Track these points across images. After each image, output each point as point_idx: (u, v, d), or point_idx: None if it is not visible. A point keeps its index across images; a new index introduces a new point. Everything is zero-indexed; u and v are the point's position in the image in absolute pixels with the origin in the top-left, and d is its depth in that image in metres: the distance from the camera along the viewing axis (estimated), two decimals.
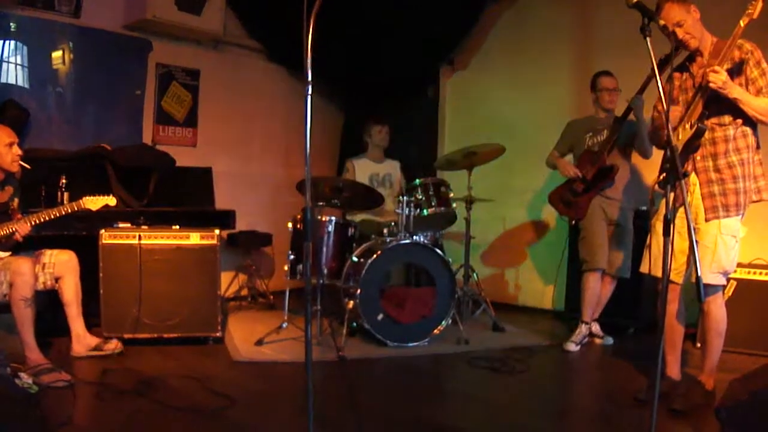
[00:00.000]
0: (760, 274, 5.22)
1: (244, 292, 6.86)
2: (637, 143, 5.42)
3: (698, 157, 3.86)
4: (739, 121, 3.78)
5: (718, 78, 3.58)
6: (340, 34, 6.11)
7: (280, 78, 7.49)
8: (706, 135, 3.77)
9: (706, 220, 3.84)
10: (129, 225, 5.00)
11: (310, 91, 2.70)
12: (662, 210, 3.82)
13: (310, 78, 2.71)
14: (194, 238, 4.98)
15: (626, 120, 5.25)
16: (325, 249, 5.31)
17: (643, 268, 4.11)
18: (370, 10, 6.71)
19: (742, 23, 3.55)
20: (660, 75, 3.20)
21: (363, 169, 6.55)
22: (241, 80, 7.21)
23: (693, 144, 3.74)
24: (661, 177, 3.35)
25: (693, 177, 3.90)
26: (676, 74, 4.02)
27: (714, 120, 3.79)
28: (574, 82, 6.58)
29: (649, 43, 3.00)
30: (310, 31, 2.65)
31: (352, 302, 5.06)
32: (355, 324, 5.25)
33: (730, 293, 5.14)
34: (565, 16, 7.08)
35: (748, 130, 3.82)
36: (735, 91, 3.64)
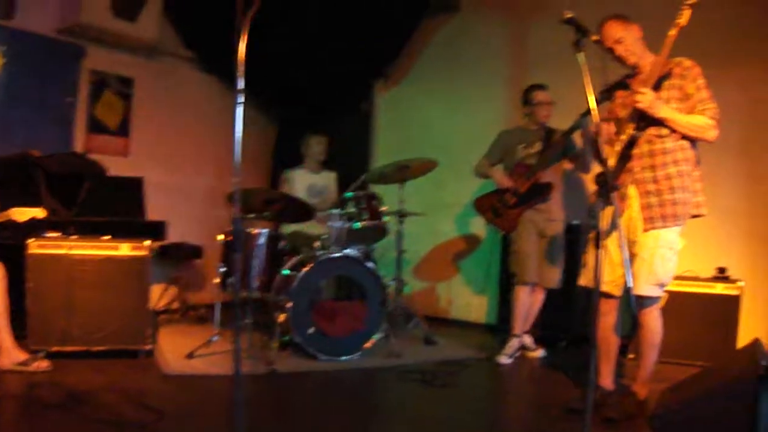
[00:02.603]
0: (690, 285, 5.39)
1: (175, 304, 6.78)
2: (579, 162, 5.58)
3: (637, 169, 3.93)
4: (678, 134, 3.86)
5: (644, 99, 3.72)
6: (274, 46, 6.15)
7: (215, 89, 7.45)
8: (645, 147, 3.89)
9: (644, 231, 3.89)
10: (58, 234, 4.89)
11: (241, 100, 2.75)
12: (603, 222, 3.88)
13: (241, 87, 2.75)
14: (124, 249, 4.93)
15: (569, 137, 5.33)
16: (256, 262, 5.29)
17: (582, 281, 4.16)
18: (304, 23, 6.78)
19: (671, 33, 3.68)
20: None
21: (301, 181, 6.60)
22: (175, 90, 7.17)
23: (627, 154, 3.89)
24: (596, 191, 3.42)
25: (632, 189, 3.96)
26: (619, 92, 4.11)
27: (653, 132, 3.87)
28: (508, 98, 6.69)
29: (582, 59, 3.09)
30: (242, 40, 2.72)
31: (283, 315, 5.07)
32: (286, 337, 5.24)
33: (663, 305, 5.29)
34: (501, 32, 7.23)
35: (686, 143, 3.89)
36: (662, 110, 3.76)
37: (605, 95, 4.12)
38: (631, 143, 3.88)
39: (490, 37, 7.26)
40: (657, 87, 3.86)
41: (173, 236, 6.20)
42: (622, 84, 4.12)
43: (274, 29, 5.49)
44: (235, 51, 2.72)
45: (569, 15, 3.21)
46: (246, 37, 2.76)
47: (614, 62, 4.01)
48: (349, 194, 5.69)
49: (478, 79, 7.29)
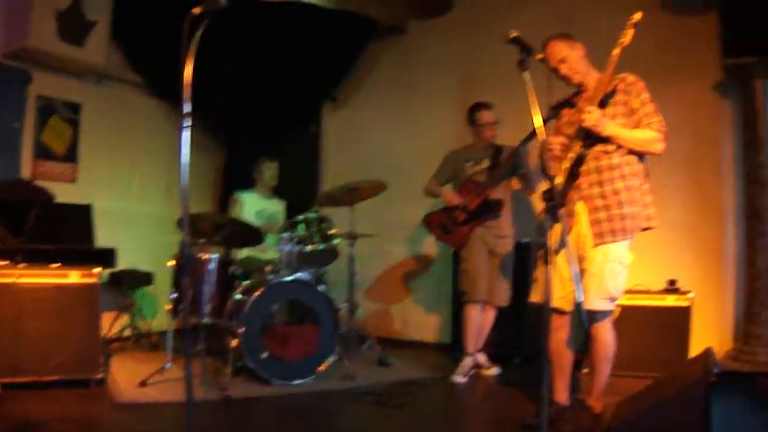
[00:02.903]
0: (641, 298, 5.42)
1: (127, 332, 6.63)
2: (526, 181, 5.65)
3: (584, 185, 3.96)
4: (625, 149, 3.90)
5: (590, 117, 3.77)
6: (222, 69, 6.19)
7: (163, 114, 7.35)
8: (592, 163, 3.93)
9: (594, 246, 3.91)
10: (6, 263, 4.80)
11: (187, 124, 2.77)
12: (551, 239, 3.79)
13: (187, 110, 2.78)
14: (74, 277, 4.87)
15: (516, 155, 5.40)
16: (207, 287, 5.25)
17: (532, 298, 4.13)
18: (252, 46, 6.82)
19: (615, 52, 3.73)
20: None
21: (251, 204, 6.56)
22: (123, 115, 7.08)
23: (575, 171, 3.94)
24: (544, 207, 3.37)
25: (580, 205, 3.99)
26: (565, 110, 4.18)
27: (599, 148, 3.90)
28: (456, 117, 6.64)
29: (527, 77, 3.20)
30: (188, 63, 2.74)
31: (235, 341, 5.04)
32: (239, 363, 5.18)
33: (615, 318, 5.26)
34: (447, 52, 7.31)
35: (633, 158, 3.93)
36: (608, 128, 3.80)
37: (552, 113, 4.18)
38: (579, 161, 3.93)
39: (437, 58, 7.35)
40: (603, 104, 3.90)
41: (123, 263, 6.11)
42: (568, 102, 4.18)
43: (221, 52, 5.47)
44: (181, 74, 2.74)
45: (514, 34, 3.34)
46: (192, 61, 2.78)
47: (560, 81, 4.09)
48: (299, 217, 5.68)
49: (426, 99, 7.37)
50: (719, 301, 5.77)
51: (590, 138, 3.87)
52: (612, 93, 3.94)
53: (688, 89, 5.83)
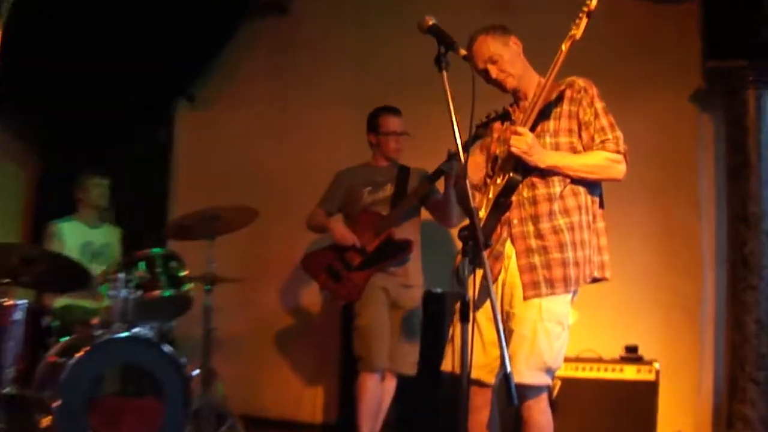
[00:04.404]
0: (592, 370, 5.46)
1: None
2: (438, 213, 5.72)
3: (515, 221, 3.88)
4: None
5: (519, 143, 3.72)
6: (37, 51, 6.09)
7: None
8: (526, 193, 3.87)
9: (525, 299, 3.80)
10: None
11: None
12: (472, 289, 3.58)
13: None
14: None
15: (432, 184, 5.46)
16: (10, 344, 5.10)
17: (445, 365, 3.98)
18: (80, 24, 6.75)
19: (564, 47, 3.75)
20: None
21: (73, 236, 6.48)
22: None
23: (503, 202, 3.87)
24: (463, 248, 3.28)
25: (509, 247, 3.91)
26: (496, 125, 4.20)
27: (536, 175, 3.85)
28: (354, 125, 6.56)
29: (445, 78, 3.17)
30: None
31: (47, 418, 4.84)
32: None
33: (554, 394, 5.26)
34: (346, 40, 7.43)
35: (580, 187, 3.88)
36: (547, 158, 3.78)
37: (482, 129, 4.20)
38: (509, 188, 3.86)
39: (329, 48, 7.45)
40: (544, 115, 3.90)
41: None
42: (503, 114, 4.19)
43: (35, 29, 5.38)
44: None
45: (431, 22, 3.30)
46: None
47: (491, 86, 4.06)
48: (139, 254, 5.62)
49: (316, 100, 7.45)
50: (694, 373, 5.90)
51: (523, 166, 3.83)
52: (557, 101, 3.93)
53: (657, 98, 5.98)
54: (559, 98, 3.95)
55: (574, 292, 3.91)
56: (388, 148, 5.78)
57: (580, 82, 3.95)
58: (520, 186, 3.89)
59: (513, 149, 3.76)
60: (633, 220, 5.88)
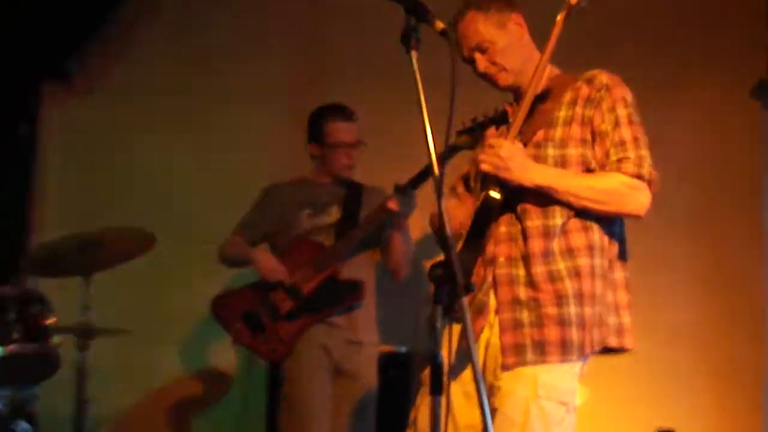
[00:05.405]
0: None
1: None
2: (385, 258, 5.74)
3: (501, 259, 3.65)
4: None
5: (490, 156, 3.54)
6: None
7: None
8: (515, 224, 3.65)
9: (504, 368, 3.55)
10: None
11: None
12: (445, 350, 3.33)
13: None
14: None
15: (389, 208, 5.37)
16: None
17: None
18: None
19: (559, 18, 3.57)
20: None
21: None
22: None
23: (482, 230, 3.67)
24: (434, 294, 2.93)
25: (492, 297, 3.66)
26: (491, 130, 3.97)
27: (529, 200, 3.62)
28: (290, 126, 6.61)
29: (414, 61, 2.82)
30: None
31: None
32: None
33: None
34: (285, 10, 7.36)
35: (590, 223, 3.61)
36: (530, 174, 3.54)
37: (466, 137, 4.07)
38: (486, 211, 3.64)
39: (260, 17, 7.30)
40: (549, 120, 3.71)
41: None
42: (501, 116, 3.96)
43: None
44: None
45: None
46: None
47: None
48: None
49: (237, 90, 7.32)
50: None
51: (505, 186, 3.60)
52: (570, 102, 3.70)
53: (709, 93, 5.81)
54: (573, 98, 3.70)
55: (581, 362, 3.62)
56: (336, 164, 5.75)
57: (603, 77, 3.68)
58: (510, 215, 3.70)
59: (482, 166, 3.60)
60: (671, 257, 5.72)
